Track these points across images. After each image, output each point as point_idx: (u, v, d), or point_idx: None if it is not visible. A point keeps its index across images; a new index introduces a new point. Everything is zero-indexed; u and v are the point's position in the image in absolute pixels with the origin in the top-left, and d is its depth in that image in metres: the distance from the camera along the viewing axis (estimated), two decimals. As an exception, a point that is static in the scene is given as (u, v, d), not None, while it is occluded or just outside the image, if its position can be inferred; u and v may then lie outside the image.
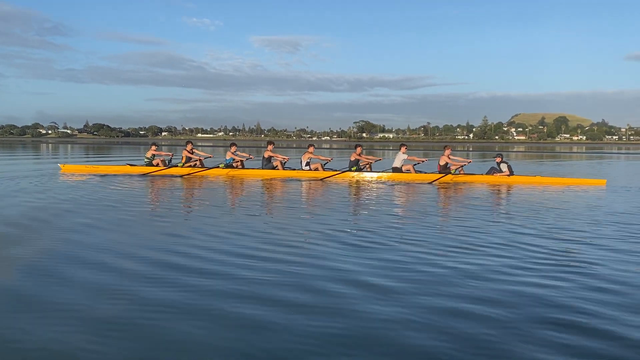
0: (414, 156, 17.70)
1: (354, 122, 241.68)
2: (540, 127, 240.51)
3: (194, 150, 18.36)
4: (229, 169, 17.38)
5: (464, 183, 15.63)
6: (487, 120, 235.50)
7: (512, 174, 16.08)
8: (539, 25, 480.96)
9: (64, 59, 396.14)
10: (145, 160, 18.09)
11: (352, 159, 17.11)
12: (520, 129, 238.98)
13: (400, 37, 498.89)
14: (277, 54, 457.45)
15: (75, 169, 18.40)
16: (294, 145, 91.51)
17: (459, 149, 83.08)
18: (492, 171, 16.40)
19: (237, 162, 17.68)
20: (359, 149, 17.39)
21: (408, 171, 16.84)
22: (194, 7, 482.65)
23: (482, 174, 16.60)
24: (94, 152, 48.79)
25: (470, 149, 79.61)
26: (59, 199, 10.85)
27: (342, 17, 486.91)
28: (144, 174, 17.09)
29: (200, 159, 18.16)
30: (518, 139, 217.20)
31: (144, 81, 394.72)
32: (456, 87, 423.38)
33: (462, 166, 16.65)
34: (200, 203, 11.03)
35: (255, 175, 17.06)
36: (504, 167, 16.17)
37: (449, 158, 16.43)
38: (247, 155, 18.16)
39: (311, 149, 17.32)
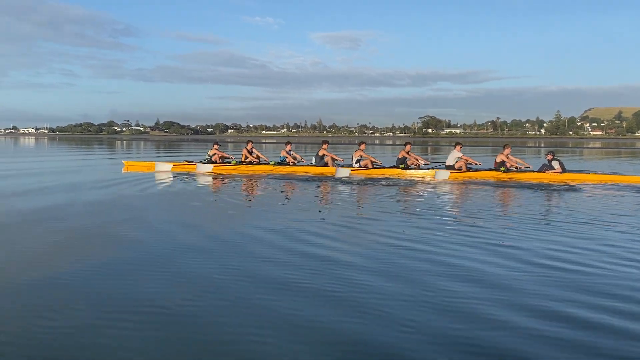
0: (469, 157, 17.09)
1: (419, 117, 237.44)
2: (617, 121, 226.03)
3: (253, 149, 18.80)
4: (281, 167, 17.64)
5: (513, 180, 15.19)
6: (560, 114, 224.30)
7: (565, 172, 15.60)
8: (611, 13, 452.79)
9: (134, 59, 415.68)
10: (207, 158, 19.01)
11: (400, 156, 17.10)
12: (595, 124, 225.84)
13: (463, 30, 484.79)
14: (337, 51, 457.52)
15: (137, 166, 19.33)
16: (356, 142, 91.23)
17: (529, 144, 79.76)
18: (543, 168, 15.94)
19: (290, 160, 17.98)
20: (408, 147, 17.17)
21: (460, 169, 16.36)
22: (256, 6, 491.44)
23: (533, 172, 15.96)
24: (165, 148, 50.78)
25: (542, 145, 76.10)
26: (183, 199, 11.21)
27: (402, 11, 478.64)
28: (192, 172, 17.48)
29: (258, 157, 18.71)
30: (594, 135, 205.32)
31: (208, 80, 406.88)
32: (522, 81, 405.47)
33: (520, 169, 15.93)
34: (300, 202, 11.04)
35: (308, 171, 17.25)
36: (555, 164, 15.78)
37: (508, 157, 16.00)
38: (300, 158, 18.41)
39: (362, 146, 17.46)
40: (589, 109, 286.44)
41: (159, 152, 40.58)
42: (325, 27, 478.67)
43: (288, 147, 18.29)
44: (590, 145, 76.31)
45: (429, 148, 56.08)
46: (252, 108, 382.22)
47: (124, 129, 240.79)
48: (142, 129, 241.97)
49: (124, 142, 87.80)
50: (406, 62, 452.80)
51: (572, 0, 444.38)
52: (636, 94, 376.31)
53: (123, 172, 17.92)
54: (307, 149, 44.64)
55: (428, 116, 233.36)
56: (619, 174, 16.36)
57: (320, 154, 17.64)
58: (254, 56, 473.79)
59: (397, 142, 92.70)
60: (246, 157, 18.38)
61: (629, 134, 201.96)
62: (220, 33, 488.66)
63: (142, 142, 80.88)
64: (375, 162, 17.21)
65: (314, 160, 17.89)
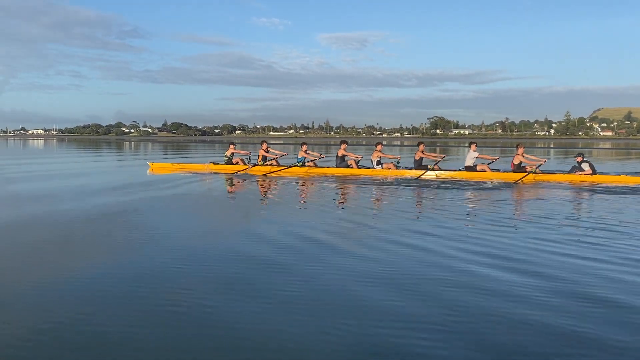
0: (485, 154, 17.13)
1: (428, 118, 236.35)
2: (626, 122, 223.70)
3: (269, 149, 18.54)
4: (306, 168, 17.42)
5: (547, 182, 15.00)
6: (569, 115, 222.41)
7: (595, 173, 15.50)
8: (618, 13, 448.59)
9: (141, 61, 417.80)
10: (225, 158, 18.50)
11: (417, 157, 16.94)
12: (605, 125, 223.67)
13: (470, 30, 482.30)
14: (343, 51, 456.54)
15: (163, 167, 19.14)
16: (364, 143, 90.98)
17: (539, 145, 79.14)
18: (573, 170, 15.93)
19: (309, 160, 17.80)
20: (421, 147, 17.08)
21: (483, 170, 16.17)
22: (263, 7, 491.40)
23: (564, 173, 15.99)
24: (175, 149, 50.99)
25: (551, 146, 75.44)
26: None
27: (409, 12, 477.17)
28: (230, 173, 17.24)
29: (275, 158, 18.45)
30: (604, 135, 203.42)
31: (215, 81, 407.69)
32: (530, 81, 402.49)
33: (539, 165, 15.80)
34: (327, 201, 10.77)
35: (332, 172, 17.00)
36: (585, 166, 15.71)
37: (523, 157, 15.92)
38: (319, 155, 18.23)
39: (379, 147, 17.27)
40: (598, 109, 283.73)
41: (180, 153, 40.48)
42: (332, 28, 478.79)
43: (304, 148, 18.03)
44: (601, 146, 75.47)
45: (437, 149, 55.57)
46: (258, 109, 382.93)
47: (132, 130, 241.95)
48: (150, 130, 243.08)
49: (132, 143, 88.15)
50: (413, 62, 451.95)
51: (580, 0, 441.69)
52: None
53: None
54: (314, 150, 44.43)
55: (436, 117, 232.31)
56: None
57: (340, 154, 17.42)
58: (260, 57, 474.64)
59: (405, 143, 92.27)
60: (264, 158, 18.02)
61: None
62: (227, 34, 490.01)
63: (150, 144, 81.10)
64: (394, 157, 17.49)
65: (335, 162, 17.67)
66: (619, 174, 16.05)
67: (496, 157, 17.27)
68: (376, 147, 17.36)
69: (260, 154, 18.07)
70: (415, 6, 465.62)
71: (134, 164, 25.58)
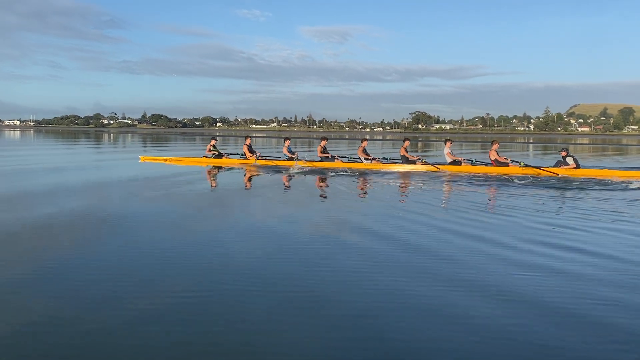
0: (456, 156, 17.30)
1: (410, 113, 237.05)
2: (602, 118, 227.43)
3: (251, 145, 19.04)
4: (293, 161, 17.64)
5: (532, 175, 15.25)
6: (549, 110, 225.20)
7: (579, 167, 15.96)
8: (597, 12, 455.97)
9: (119, 51, 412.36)
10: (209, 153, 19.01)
11: (402, 153, 17.31)
12: (581, 120, 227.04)
13: (451, 25, 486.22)
14: (325, 45, 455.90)
15: (153, 160, 19.76)
16: (347, 137, 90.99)
17: (518, 140, 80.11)
18: (558, 164, 16.32)
19: (290, 158, 18.03)
20: (406, 143, 17.71)
21: (459, 163, 16.69)
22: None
23: (549, 167, 16.32)
24: (158, 142, 50.35)
25: (531, 141, 76.35)
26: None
27: (391, 6, 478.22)
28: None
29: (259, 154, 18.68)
30: (582, 131, 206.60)
31: (196, 72, 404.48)
32: (509, 77, 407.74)
33: (515, 162, 16.40)
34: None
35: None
36: (569, 160, 16.12)
37: (497, 153, 16.47)
38: (297, 156, 18.23)
39: (364, 144, 17.86)
40: (575, 105, 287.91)
41: (164, 147, 39.93)
42: (313, 21, 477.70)
43: (287, 144, 18.33)
44: (579, 142, 76.61)
45: (419, 144, 55.82)
46: (239, 102, 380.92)
47: (111, 122, 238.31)
48: (129, 122, 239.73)
49: (112, 134, 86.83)
50: (394, 57, 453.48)
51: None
52: (621, 91, 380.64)
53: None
54: (298, 144, 44.17)
55: (418, 112, 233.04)
56: (628, 169, 16.73)
57: (320, 150, 17.90)
58: (241, 49, 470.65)
59: (388, 137, 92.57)
60: (249, 152, 18.51)
61: (616, 130, 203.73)
62: (208, 26, 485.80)
63: (129, 135, 79.93)
64: (368, 157, 17.50)
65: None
66: (602, 168, 16.47)
67: (463, 159, 17.04)
68: (362, 142, 17.96)
69: (245, 149, 18.57)
70: (396, 1, 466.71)
71: (131, 156, 25.09)
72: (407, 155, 17.21)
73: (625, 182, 13.67)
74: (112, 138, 63.48)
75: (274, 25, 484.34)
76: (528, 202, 10.07)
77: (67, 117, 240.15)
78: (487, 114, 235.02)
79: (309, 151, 26.18)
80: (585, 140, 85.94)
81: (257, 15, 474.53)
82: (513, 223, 7.69)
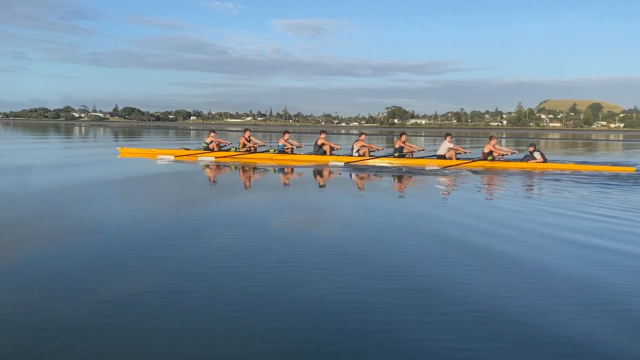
0: (459, 147, 18.28)
1: (385, 108, 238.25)
2: (572, 114, 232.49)
3: (251, 137, 19.06)
4: (283, 154, 17.90)
5: (503, 170, 16.19)
6: (521, 106, 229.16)
7: (546, 162, 16.75)
8: (566, 10, 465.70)
9: (89, 43, 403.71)
10: (204, 145, 18.78)
11: (397, 145, 17.88)
12: (552, 116, 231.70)
13: (424, 21, 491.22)
14: (299, 38, 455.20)
15: (133, 152, 19.58)
16: (343, 132, 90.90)
17: (491, 135, 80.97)
18: (526, 159, 17.05)
19: (288, 148, 18.31)
20: (403, 137, 18.22)
21: (451, 158, 17.36)
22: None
23: (517, 161, 17.21)
24: (132, 135, 49.48)
25: (504, 136, 77.45)
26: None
27: (364, 1, 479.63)
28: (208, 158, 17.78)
29: (255, 146, 18.89)
30: (553, 126, 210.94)
31: (168, 65, 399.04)
32: (480, 73, 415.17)
33: (504, 155, 17.41)
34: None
35: (307, 159, 17.64)
36: (537, 155, 16.90)
37: (494, 147, 17.09)
38: (298, 144, 19.08)
39: (363, 137, 18.28)
40: (545, 101, 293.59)
41: (136, 138, 39.17)
42: (287, 14, 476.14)
43: (286, 136, 18.49)
44: (550, 137, 78.05)
45: (395, 138, 56.04)
46: (212, 95, 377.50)
47: (82, 115, 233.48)
48: (101, 115, 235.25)
49: (84, 127, 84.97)
50: (367, 52, 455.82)
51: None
52: (589, 87, 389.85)
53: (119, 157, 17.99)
54: (273, 137, 43.97)
55: (394, 107, 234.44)
56: (591, 163, 17.69)
57: (319, 143, 18.12)
58: (214, 42, 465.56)
59: (366, 132, 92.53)
60: (244, 145, 18.68)
61: (586, 125, 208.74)
62: (179, 17, 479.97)
63: (101, 129, 78.34)
64: (377, 148, 18.23)
65: (312, 149, 18.39)
66: (568, 163, 17.23)
67: (469, 151, 18.45)
68: (360, 136, 18.24)
69: (242, 141, 18.73)
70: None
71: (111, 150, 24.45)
72: (405, 146, 17.75)
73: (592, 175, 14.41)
74: (83, 131, 62.04)
75: (248, 18, 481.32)
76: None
77: (35, 110, 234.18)
78: (462, 109, 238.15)
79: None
80: (557, 135, 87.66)
81: (230, 8, 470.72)
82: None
